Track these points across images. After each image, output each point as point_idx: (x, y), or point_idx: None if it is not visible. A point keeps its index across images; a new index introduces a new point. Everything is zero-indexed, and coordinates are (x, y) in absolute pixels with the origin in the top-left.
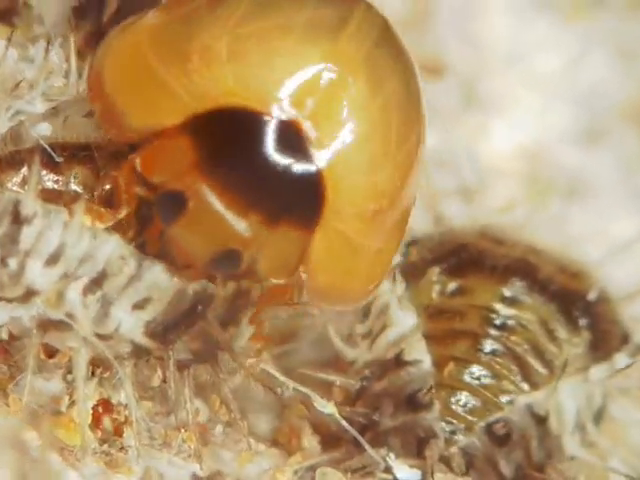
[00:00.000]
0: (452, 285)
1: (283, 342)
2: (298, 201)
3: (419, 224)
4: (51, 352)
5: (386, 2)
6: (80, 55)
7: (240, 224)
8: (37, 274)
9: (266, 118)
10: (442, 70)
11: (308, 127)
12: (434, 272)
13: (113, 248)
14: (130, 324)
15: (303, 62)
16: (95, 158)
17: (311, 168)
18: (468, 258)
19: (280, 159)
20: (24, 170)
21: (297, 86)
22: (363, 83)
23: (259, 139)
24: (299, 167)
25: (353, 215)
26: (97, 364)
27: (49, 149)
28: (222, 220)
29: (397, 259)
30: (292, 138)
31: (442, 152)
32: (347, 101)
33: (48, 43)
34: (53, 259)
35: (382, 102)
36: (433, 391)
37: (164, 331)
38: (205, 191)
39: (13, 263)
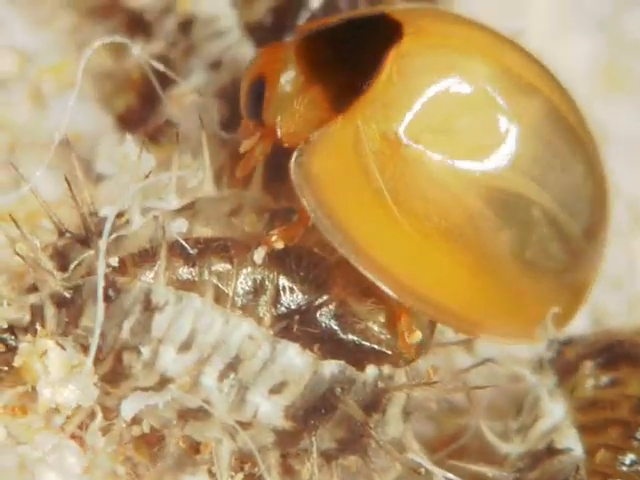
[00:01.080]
0: (605, 378)
1: (445, 445)
2: (344, 75)
3: (576, 325)
4: (196, 448)
5: None
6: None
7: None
8: (170, 361)
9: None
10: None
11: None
12: (587, 366)
13: (245, 332)
14: (268, 409)
15: None
16: (229, 247)
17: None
18: (622, 352)
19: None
20: (158, 264)
21: None
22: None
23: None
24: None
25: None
26: (244, 459)
27: (183, 242)
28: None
29: (548, 354)
30: None
31: (607, 270)
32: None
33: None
34: (186, 345)
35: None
36: (581, 472)
37: (305, 416)
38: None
39: (146, 351)
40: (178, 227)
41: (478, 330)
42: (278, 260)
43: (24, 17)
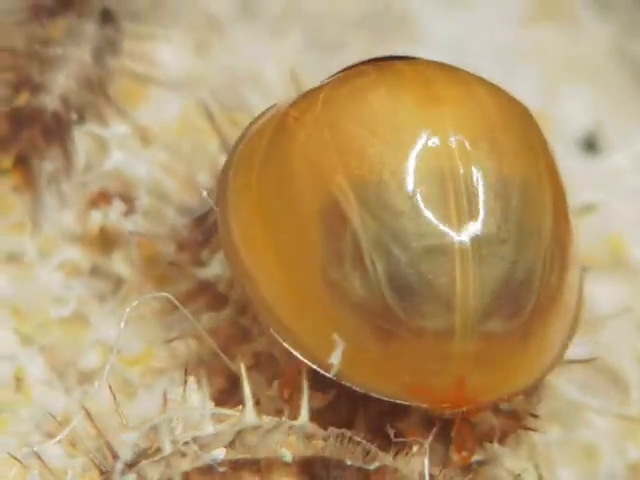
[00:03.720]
0: None
1: None
2: None
3: None
4: None
5: None
6: None
7: None
8: None
9: None
10: None
11: None
12: None
13: None
14: None
15: None
16: (259, 461)
17: None
18: None
19: None
20: None
21: None
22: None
23: None
24: None
25: None
26: None
27: (214, 464)
28: None
29: None
30: None
31: None
32: None
33: None
34: None
35: None
36: None
37: None
38: None
39: None
40: (215, 455)
41: (285, 336)
42: (307, 469)
43: (111, 315)
